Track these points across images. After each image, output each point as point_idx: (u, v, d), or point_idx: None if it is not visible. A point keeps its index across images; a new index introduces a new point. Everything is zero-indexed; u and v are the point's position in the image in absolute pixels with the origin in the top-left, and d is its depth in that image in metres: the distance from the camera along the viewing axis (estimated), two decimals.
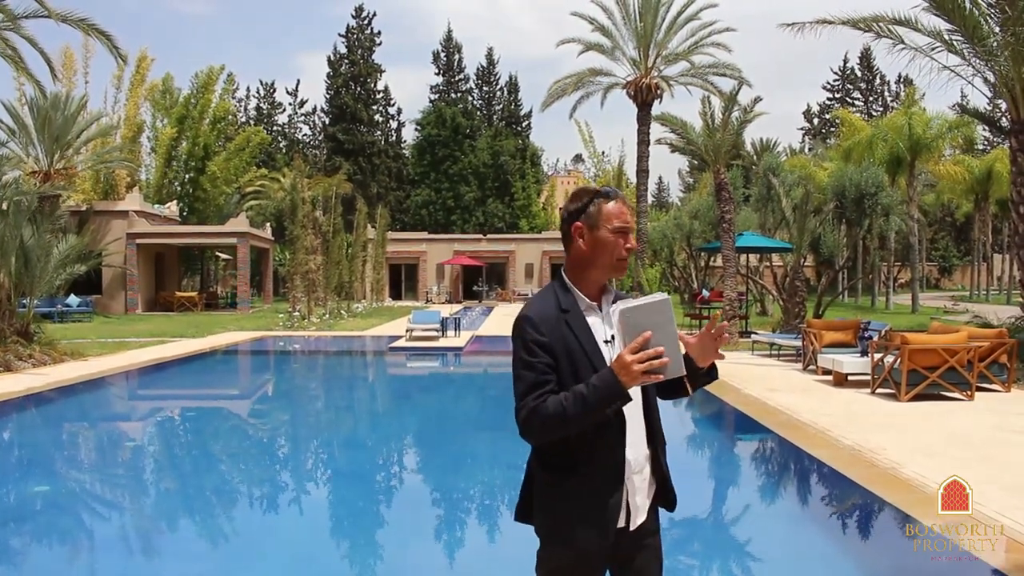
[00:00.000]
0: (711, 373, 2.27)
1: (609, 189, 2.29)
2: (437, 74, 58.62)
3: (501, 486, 6.58)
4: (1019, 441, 7.31)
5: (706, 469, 7.76)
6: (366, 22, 57.29)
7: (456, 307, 32.66)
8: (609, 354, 2.20)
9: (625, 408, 2.14)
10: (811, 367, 12.40)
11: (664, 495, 2.34)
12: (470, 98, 58.70)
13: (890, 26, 12.96)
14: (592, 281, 2.28)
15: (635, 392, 2.19)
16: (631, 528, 2.23)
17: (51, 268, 14.74)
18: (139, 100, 34.52)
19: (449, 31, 66.69)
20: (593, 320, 2.24)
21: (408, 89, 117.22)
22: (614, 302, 2.29)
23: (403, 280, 44.66)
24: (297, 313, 23.80)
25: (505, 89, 59.08)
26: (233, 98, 44.60)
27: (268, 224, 39.87)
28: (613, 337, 2.21)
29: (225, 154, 38.06)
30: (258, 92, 65.16)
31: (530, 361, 2.18)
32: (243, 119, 59.69)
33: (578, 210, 2.27)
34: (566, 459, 2.21)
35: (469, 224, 52.87)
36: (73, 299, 25.80)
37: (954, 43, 12.43)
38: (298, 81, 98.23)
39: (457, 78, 58.77)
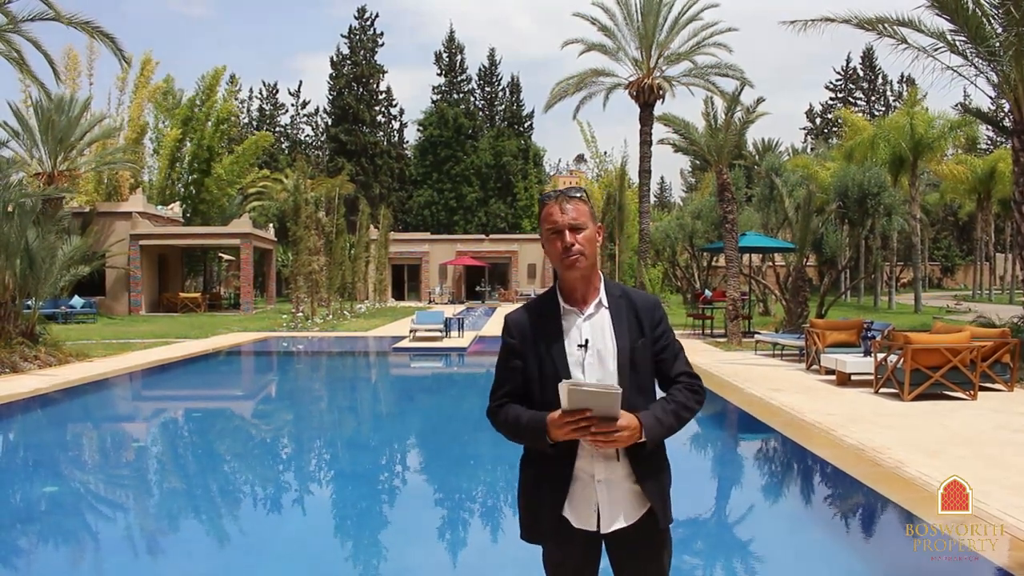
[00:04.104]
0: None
1: (549, 192, 2.35)
2: (439, 75, 58.71)
3: (505, 486, 6.62)
4: (1022, 440, 7.33)
5: (710, 468, 7.79)
6: (368, 23, 57.41)
7: (459, 307, 32.70)
8: (581, 359, 2.25)
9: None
10: (814, 367, 12.41)
11: (652, 509, 2.30)
12: (472, 99, 58.76)
13: (893, 26, 12.97)
14: (565, 283, 2.34)
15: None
16: (603, 531, 2.26)
17: (55, 269, 14.79)
18: (143, 102, 34.60)
19: (451, 32, 66.74)
20: (569, 324, 2.30)
21: (410, 90, 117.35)
22: (608, 302, 2.32)
23: (406, 280, 44.68)
24: (300, 314, 23.85)
25: (507, 89, 59.15)
26: (236, 99, 44.66)
27: (271, 225, 39.94)
28: (587, 342, 2.27)
29: (232, 157, 38.16)
30: (261, 93, 65.39)
31: (500, 362, 2.38)
32: (245, 120, 59.84)
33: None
34: (526, 456, 2.39)
35: (471, 224, 52.93)
36: (77, 300, 25.86)
37: (957, 44, 12.42)
38: (300, 82, 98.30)
39: (459, 79, 58.83)
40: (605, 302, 2.33)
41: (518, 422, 2.25)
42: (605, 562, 2.39)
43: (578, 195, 2.31)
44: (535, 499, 2.33)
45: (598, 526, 2.26)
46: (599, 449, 2.20)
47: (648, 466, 2.27)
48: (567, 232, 2.25)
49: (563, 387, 2.08)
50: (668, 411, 2.23)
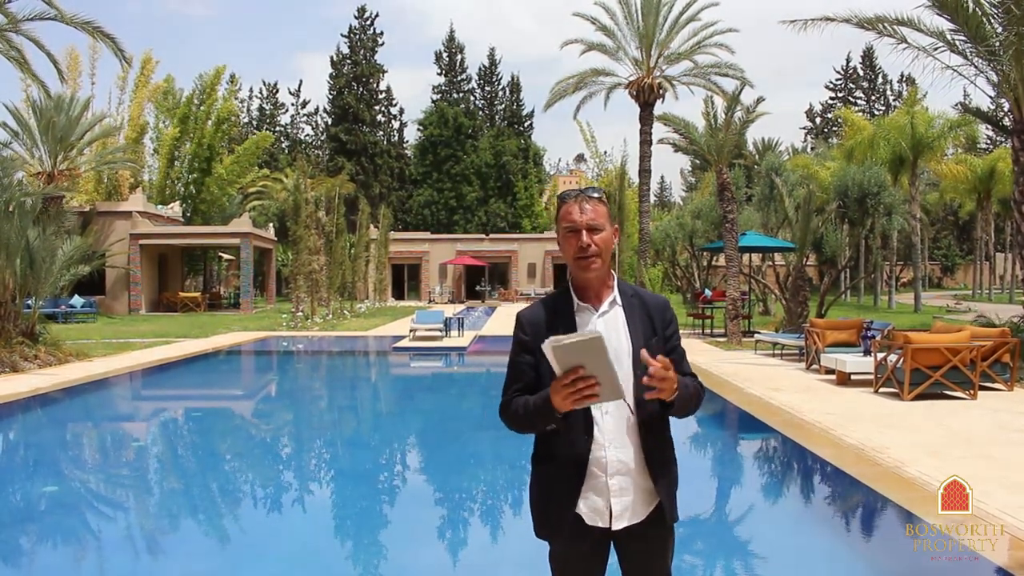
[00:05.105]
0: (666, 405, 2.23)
1: (569, 191, 2.37)
2: (439, 74, 58.75)
3: (505, 485, 6.63)
4: (1021, 440, 7.33)
5: (710, 468, 7.79)
6: (368, 23, 57.41)
7: (459, 307, 32.72)
8: None
9: (607, 412, 2.23)
10: (814, 366, 12.42)
11: (660, 505, 2.32)
12: (472, 98, 58.77)
13: (893, 26, 12.98)
14: (577, 281, 2.36)
15: (625, 401, 2.24)
16: (613, 528, 2.27)
17: (56, 269, 14.78)
18: (143, 101, 34.60)
19: (451, 31, 66.71)
20: (583, 321, 2.32)
21: (410, 89, 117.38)
22: (622, 300, 2.34)
23: (405, 280, 44.69)
24: (300, 313, 23.84)
25: (507, 89, 59.17)
26: (236, 99, 44.68)
27: (271, 224, 39.94)
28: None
29: (232, 157, 38.16)
30: (261, 93, 65.38)
31: (512, 359, 2.39)
32: (246, 120, 59.84)
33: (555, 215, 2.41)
34: (537, 453, 2.40)
35: (471, 224, 52.92)
36: (77, 300, 25.86)
37: (956, 43, 12.44)
38: (300, 82, 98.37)
39: (459, 78, 58.85)
40: (619, 300, 2.35)
41: (527, 405, 2.26)
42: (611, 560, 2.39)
43: (597, 196, 2.34)
44: (548, 496, 2.33)
45: (610, 522, 2.27)
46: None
47: (659, 462, 2.31)
48: (584, 232, 2.28)
49: (546, 348, 2.03)
50: (686, 384, 2.27)
